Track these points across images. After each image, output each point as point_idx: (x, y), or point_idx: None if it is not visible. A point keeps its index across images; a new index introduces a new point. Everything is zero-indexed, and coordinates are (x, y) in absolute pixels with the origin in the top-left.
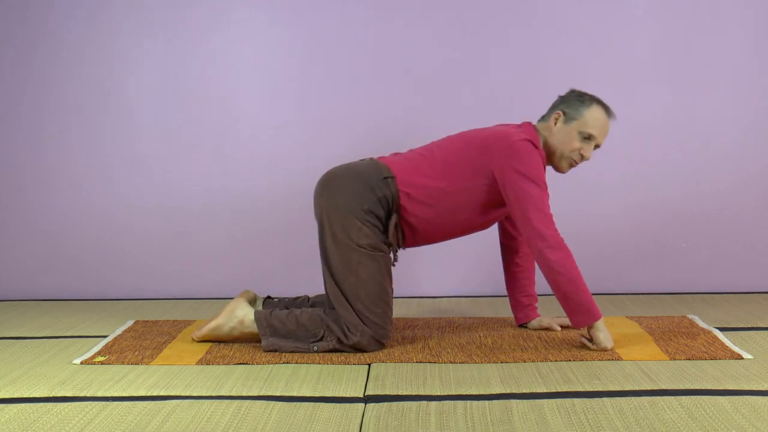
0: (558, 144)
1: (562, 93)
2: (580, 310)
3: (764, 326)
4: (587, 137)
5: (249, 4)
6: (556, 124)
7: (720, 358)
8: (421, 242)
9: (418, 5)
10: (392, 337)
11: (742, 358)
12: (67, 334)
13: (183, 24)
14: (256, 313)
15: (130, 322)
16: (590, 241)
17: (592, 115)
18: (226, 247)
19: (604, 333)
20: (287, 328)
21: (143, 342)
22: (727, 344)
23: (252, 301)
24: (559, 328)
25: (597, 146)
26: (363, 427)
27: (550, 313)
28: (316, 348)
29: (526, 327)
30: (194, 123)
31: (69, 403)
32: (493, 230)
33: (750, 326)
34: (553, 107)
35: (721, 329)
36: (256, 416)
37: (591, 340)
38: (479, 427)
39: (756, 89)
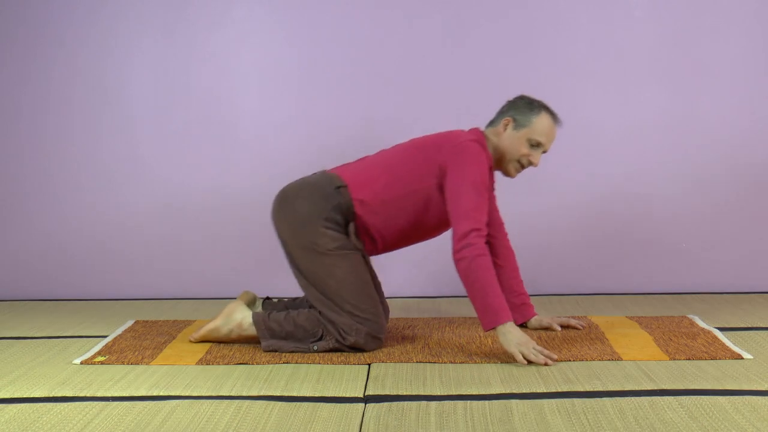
0: (507, 149)
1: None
2: (487, 313)
3: (764, 326)
4: (535, 144)
5: (249, 4)
6: (505, 130)
7: (720, 358)
8: (381, 249)
9: (419, 4)
10: (392, 337)
11: (742, 358)
12: (67, 334)
13: (183, 24)
14: (254, 316)
15: (130, 322)
16: (590, 240)
17: (541, 122)
18: (226, 246)
19: (504, 336)
20: (285, 330)
21: (143, 342)
22: (727, 344)
23: (251, 302)
24: (559, 328)
25: (544, 151)
26: (363, 427)
27: (549, 313)
28: (315, 348)
29: (525, 327)
30: (194, 123)
31: (69, 403)
32: None
33: (750, 326)
34: (502, 113)
35: (721, 329)
36: (256, 416)
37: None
38: (479, 427)
39: (756, 89)
